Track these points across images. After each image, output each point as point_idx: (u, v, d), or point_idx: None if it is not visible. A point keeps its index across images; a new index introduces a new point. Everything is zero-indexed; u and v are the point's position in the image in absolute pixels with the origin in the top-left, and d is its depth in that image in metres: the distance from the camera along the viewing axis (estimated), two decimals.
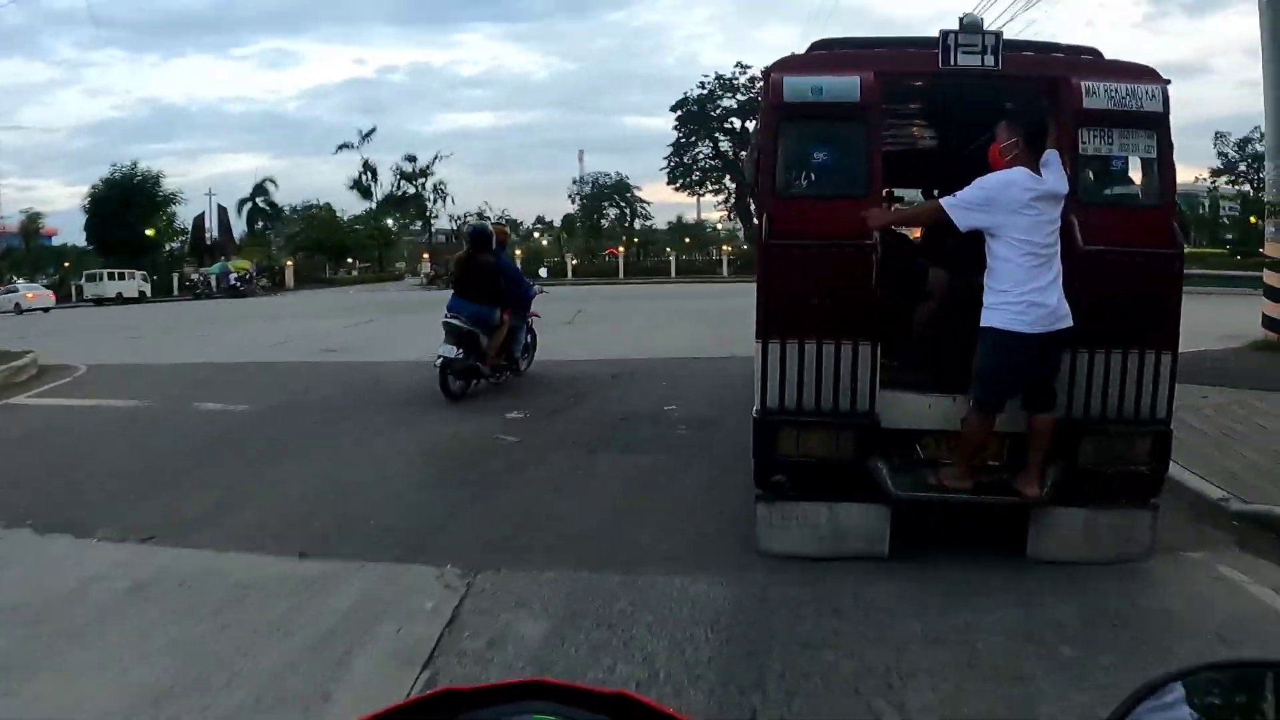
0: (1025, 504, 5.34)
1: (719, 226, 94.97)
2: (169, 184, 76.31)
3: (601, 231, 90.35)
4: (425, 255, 74.79)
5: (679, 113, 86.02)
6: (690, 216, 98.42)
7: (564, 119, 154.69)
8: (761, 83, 5.93)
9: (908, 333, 6.31)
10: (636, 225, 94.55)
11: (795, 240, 5.42)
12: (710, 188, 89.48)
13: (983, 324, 5.22)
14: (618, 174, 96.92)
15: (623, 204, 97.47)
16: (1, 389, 13.96)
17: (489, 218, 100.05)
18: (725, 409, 10.18)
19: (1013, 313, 5.09)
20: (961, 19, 5.58)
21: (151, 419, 11.17)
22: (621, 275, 66.43)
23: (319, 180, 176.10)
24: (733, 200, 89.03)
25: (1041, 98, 5.75)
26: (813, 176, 5.74)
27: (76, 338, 27.01)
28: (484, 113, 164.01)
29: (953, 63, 5.36)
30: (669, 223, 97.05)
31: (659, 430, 9.40)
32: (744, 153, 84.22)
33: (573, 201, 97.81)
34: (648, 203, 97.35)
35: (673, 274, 66.17)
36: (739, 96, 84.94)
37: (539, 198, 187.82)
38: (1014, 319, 5.08)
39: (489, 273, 11.73)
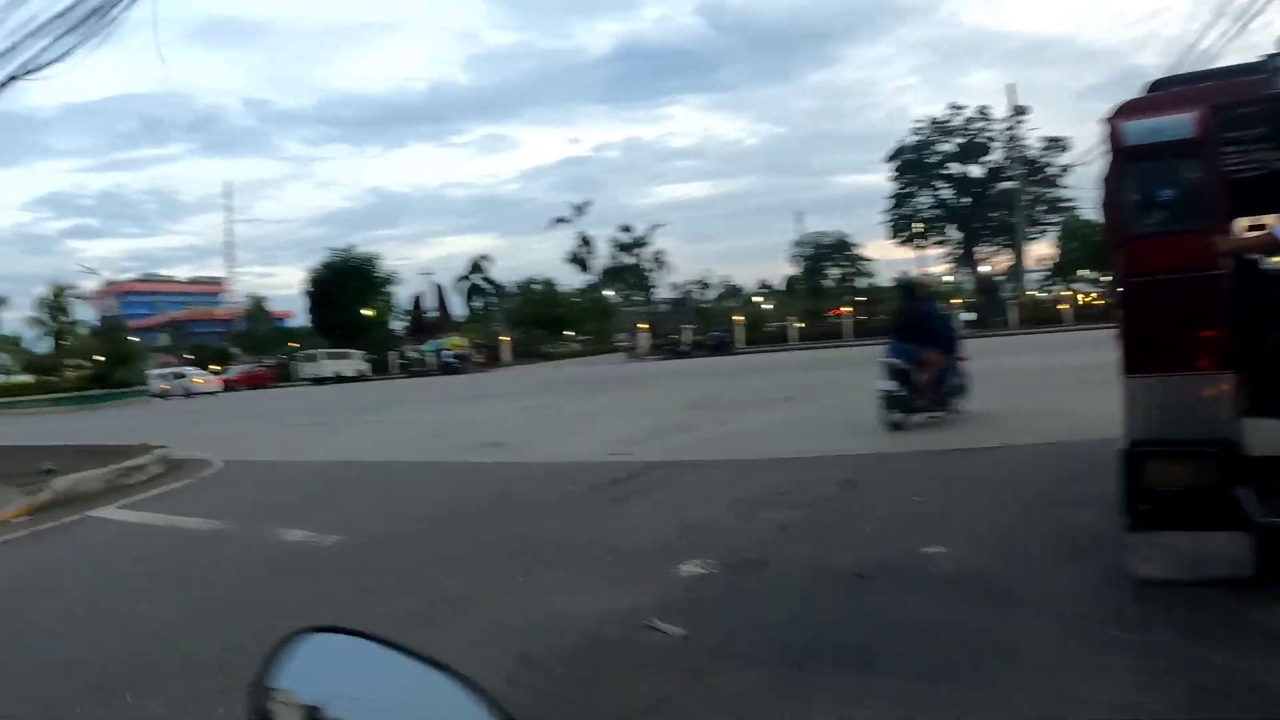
0: None
1: (946, 279, 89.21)
2: (394, 266, 78.03)
3: (824, 293, 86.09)
4: (639, 325, 72.12)
5: (895, 162, 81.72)
6: (915, 271, 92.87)
7: (777, 183, 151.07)
8: (1105, 129, 5.60)
9: (1267, 358, 5.96)
10: (860, 284, 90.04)
11: (1149, 276, 5.46)
12: (933, 239, 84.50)
13: None
14: (836, 233, 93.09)
15: (844, 263, 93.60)
16: (101, 494, 12.23)
17: (710, 285, 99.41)
18: (1022, 550, 6.30)
19: None
20: None
21: (203, 556, 8.38)
22: (850, 336, 61.90)
23: (539, 257, 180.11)
24: (960, 251, 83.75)
25: None
26: (1160, 214, 5.58)
27: (249, 424, 25.71)
28: (698, 182, 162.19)
29: (1278, 85, 5.33)
30: (893, 279, 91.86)
31: (921, 605, 5.36)
32: (965, 199, 79.95)
33: (793, 264, 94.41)
34: (870, 260, 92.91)
35: None
36: (956, 139, 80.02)
37: (758, 263, 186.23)
38: None
39: (918, 317, 13.64)
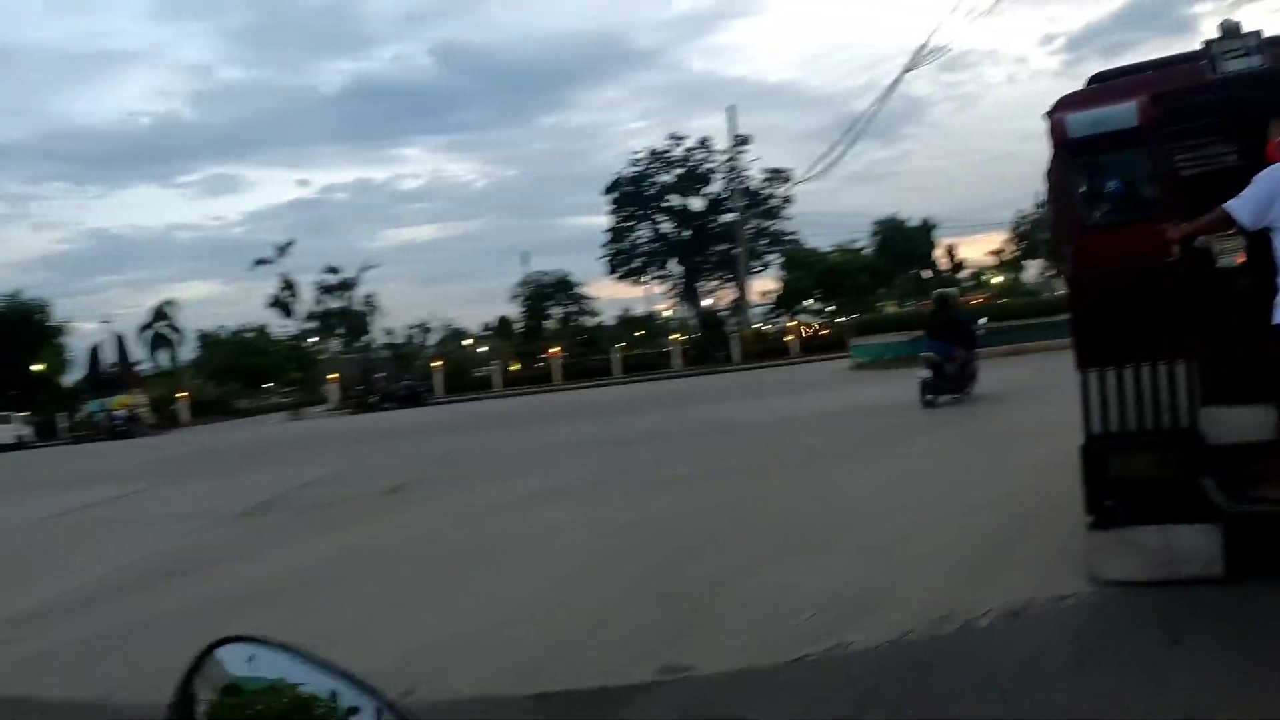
0: None
1: (668, 315, 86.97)
2: (119, 313, 69.12)
3: (543, 334, 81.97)
4: (330, 377, 64.59)
5: (614, 194, 78.72)
6: (641, 309, 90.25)
7: (507, 225, 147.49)
8: (1047, 123, 5.68)
9: (1225, 346, 5.97)
10: (584, 323, 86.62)
11: (1100, 268, 5.57)
12: (654, 274, 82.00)
13: (1273, 321, 5.24)
14: (559, 272, 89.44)
15: (567, 302, 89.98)
16: None
17: (431, 330, 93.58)
18: None
19: None
20: (1222, 25, 5.57)
21: None
22: (559, 380, 57.66)
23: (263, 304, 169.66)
24: (681, 285, 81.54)
25: None
26: (1108, 205, 5.81)
27: None
28: (428, 225, 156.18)
29: (1219, 71, 5.45)
30: (616, 317, 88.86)
31: None
32: (686, 232, 77.91)
33: (517, 305, 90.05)
34: (594, 299, 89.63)
35: (616, 373, 57.58)
36: (676, 171, 77.84)
37: (487, 305, 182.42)
38: None
39: (948, 322, 17.67)
